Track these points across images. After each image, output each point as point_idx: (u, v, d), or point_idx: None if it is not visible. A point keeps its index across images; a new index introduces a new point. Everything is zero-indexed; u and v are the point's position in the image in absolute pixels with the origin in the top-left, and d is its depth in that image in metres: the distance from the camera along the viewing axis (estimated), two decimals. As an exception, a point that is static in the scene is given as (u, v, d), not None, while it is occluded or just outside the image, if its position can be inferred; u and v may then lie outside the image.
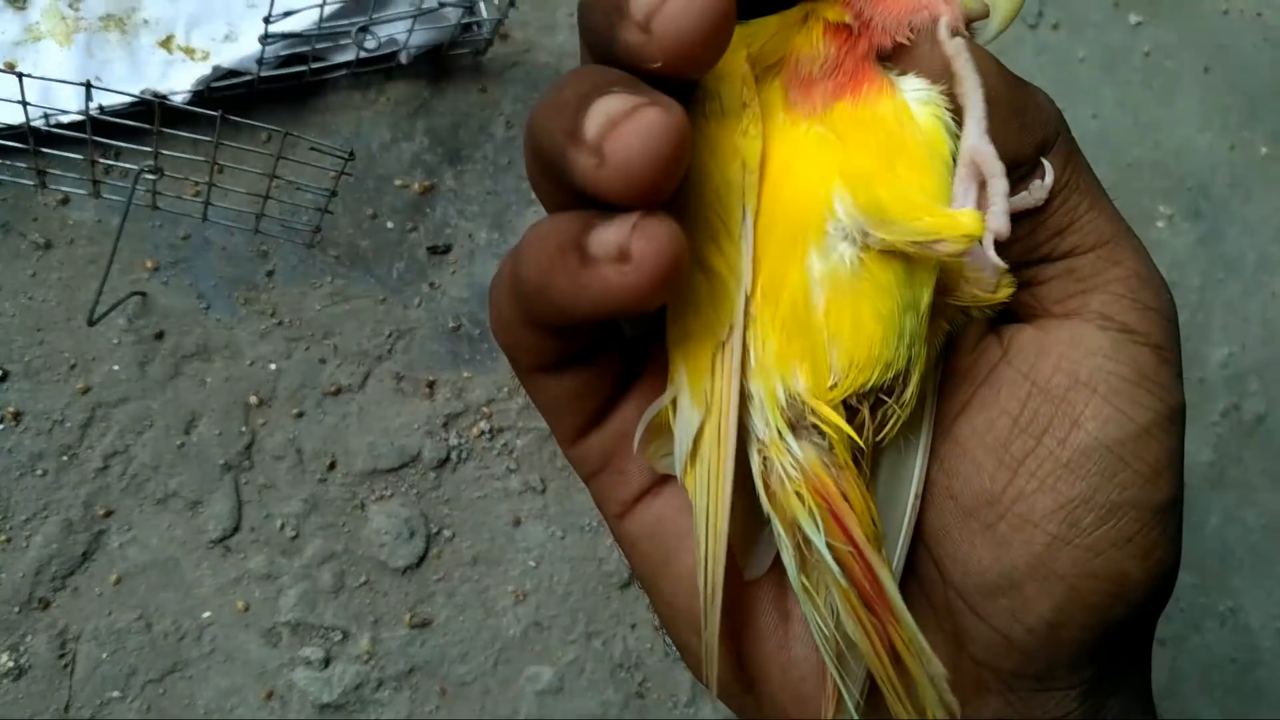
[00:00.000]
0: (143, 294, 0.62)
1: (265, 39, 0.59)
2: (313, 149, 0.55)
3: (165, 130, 0.54)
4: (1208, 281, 0.83)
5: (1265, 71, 0.91)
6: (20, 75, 0.52)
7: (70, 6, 0.66)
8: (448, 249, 0.68)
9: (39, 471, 0.59)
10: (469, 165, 0.69)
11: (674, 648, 0.64)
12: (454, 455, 0.65)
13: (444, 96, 0.70)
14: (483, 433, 0.65)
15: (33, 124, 0.57)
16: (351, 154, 0.54)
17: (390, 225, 0.67)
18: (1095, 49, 0.86)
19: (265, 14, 0.59)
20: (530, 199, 0.70)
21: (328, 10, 0.61)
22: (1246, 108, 0.89)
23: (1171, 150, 0.86)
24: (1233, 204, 0.86)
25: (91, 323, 0.60)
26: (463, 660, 0.63)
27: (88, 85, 0.50)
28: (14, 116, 0.57)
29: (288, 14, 0.59)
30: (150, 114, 0.54)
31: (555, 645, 0.64)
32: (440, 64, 0.70)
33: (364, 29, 0.62)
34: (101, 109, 0.60)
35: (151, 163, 0.55)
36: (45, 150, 0.58)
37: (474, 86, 0.71)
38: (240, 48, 0.65)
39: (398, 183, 0.67)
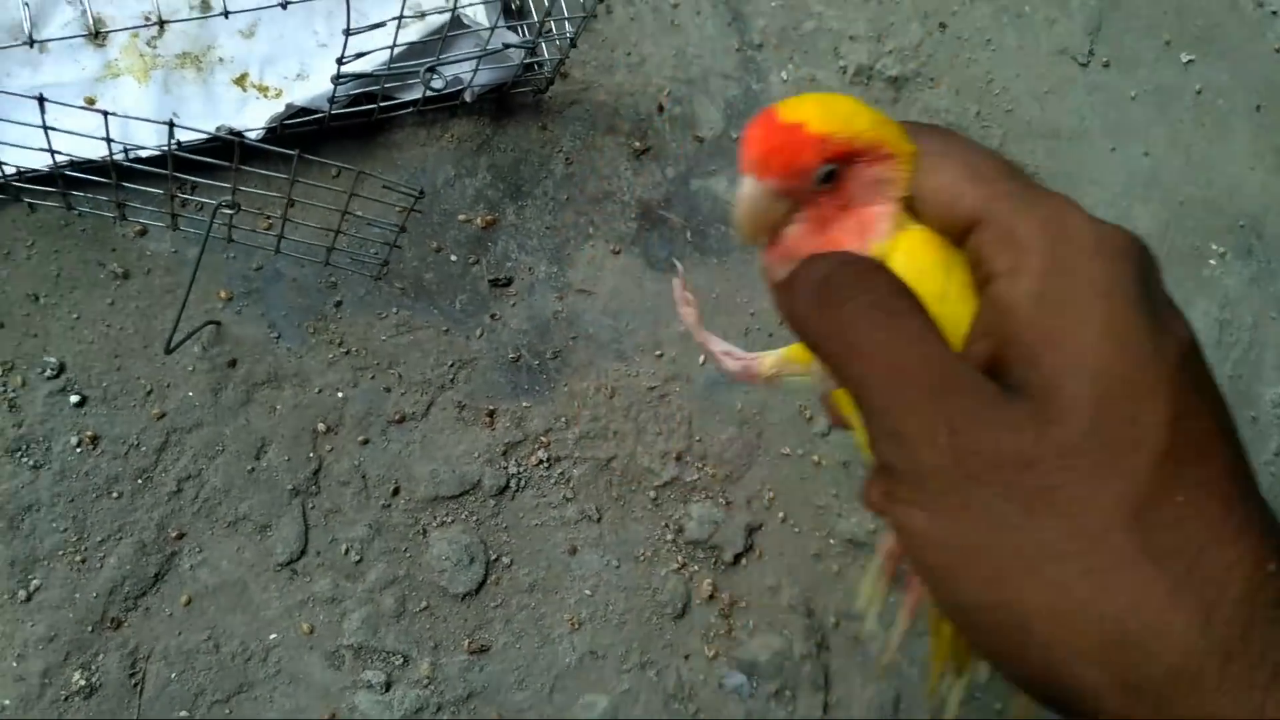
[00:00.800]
0: (217, 323, 0.64)
1: (338, 79, 0.61)
2: (385, 187, 0.57)
3: (244, 168, 0.56)
4: (1260, 320, 0.83)
5: (1318, 110, 0.91)
6: (105, 114, 0.54)
7: (148, 44, 0.68)
8: (509, 282, 0.69)
9: (114, 494, 0.61)
10: (529, 201, 0.71)
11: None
12: (513, 483, 0.66)
13: (506, 134, 0.72)
14: (541, 461, 0.67)
15: (114, 158, 0.59)
16: (421, 192, 0.55)
17: (454, 258, 0.69)
18: (1147, 88, 0.87)
19: (337, 54, 0.61)
20: (588, 233, 0.71)
21: (397, 51, 0.63)
22: (1299, 146, 0.89)
23: (1224, 189, 0.86)
24: (1285, 243, 0.86)
25: (169, 351, 0.62)
26: (519, 687, 0.64)
27: (170, 124, 0.52)
28: (93, 151, 0.59)
29: (360, 55, 0.61)
30: (224, 149, 0.56)
31: (610, 674, 0.65)
32: (502, 102, 0.71)
33: (431, 69, 0.63)
34: (179, 145, 0.62)
35: (229, 198, 0.57)
36: (125, 184, 0.60)
37: (535, 124, 0.72)
38: (312, 86, 0.67)
39: (461, 217, 0.69)
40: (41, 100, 0.51)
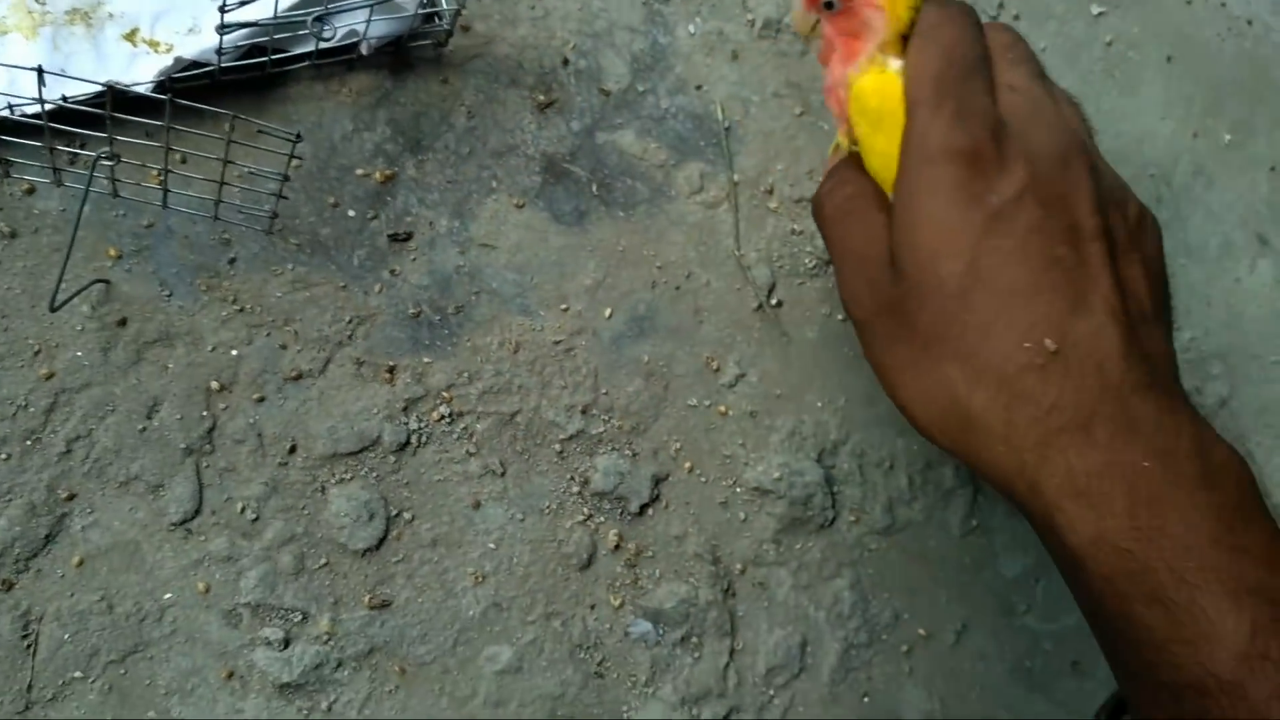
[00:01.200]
0: (106, 281, 0.63)
1: (222, 28, 0.60)
2: (260, 131, 0.56)
3: (126, 119, 0.55)
4: (1170, 267, 0.84)
5: (1229, 61, 0.92)
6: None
7: (37, 1, 0.67)
8: (408, 236, 0.69)
9: (2, 455, 0.60)
10: (430, 155, 0.70)
11: (644, 624, 0.65)
12: (414, 439, 0.66)
13: (406, 87, 0.71)
14: (443, 417, 0.66)
15: (-7, 115, 0.58)
16: (299, 136, 0.54)
17: (351, 214, 0.68)
18: (1057, 40, 0.87)
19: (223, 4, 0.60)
20: (490, 187, 0.71)
21: (285, 1, 0.62)
22: (1210, 97, 0.90)
23: (1134, 139, 0.86)
24: (1195, 191, 0.87)
25: (53, 309, 0.61)
26: (422, 640, 0.63)
27: (39, 70, 0.51)
28: (-25, 106, 0.58)
29: (244, 3, 0.60)
30: (115, 104, 0.55)
31: (514, 626, 0.65)
32: (402, 56, 0.71)
33: (320, 19, 0.63)
34: (65, 99, 0.61)
35: (108, 149, 0.56)
36: (6, 139, 0.59)
37: (435, 78, 0.72)
38: (203, 40, 0.66)
39: (359, 172, 0.68)
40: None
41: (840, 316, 0.74)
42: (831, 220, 0.49)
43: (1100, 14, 0.89)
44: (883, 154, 0.45)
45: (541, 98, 0.73)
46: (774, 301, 0.73)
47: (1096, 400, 0.41)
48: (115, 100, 0.55)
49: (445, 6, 0.68)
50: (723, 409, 0.71)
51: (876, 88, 0.45)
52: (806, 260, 0.75)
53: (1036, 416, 0.41)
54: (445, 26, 0.69)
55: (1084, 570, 0.40)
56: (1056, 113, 0.47)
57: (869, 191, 0.47)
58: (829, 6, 0.45)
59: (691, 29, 0.78)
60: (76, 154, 0.63)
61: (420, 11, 0.66)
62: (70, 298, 0.62)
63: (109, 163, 0.57)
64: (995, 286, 0.42)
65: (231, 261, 0.65)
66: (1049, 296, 0.42)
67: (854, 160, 0.49)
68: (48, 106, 0.57)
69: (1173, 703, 0.38)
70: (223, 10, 0.58)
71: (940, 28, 0.45)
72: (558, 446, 0.68)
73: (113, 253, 0.64)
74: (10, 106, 0.61)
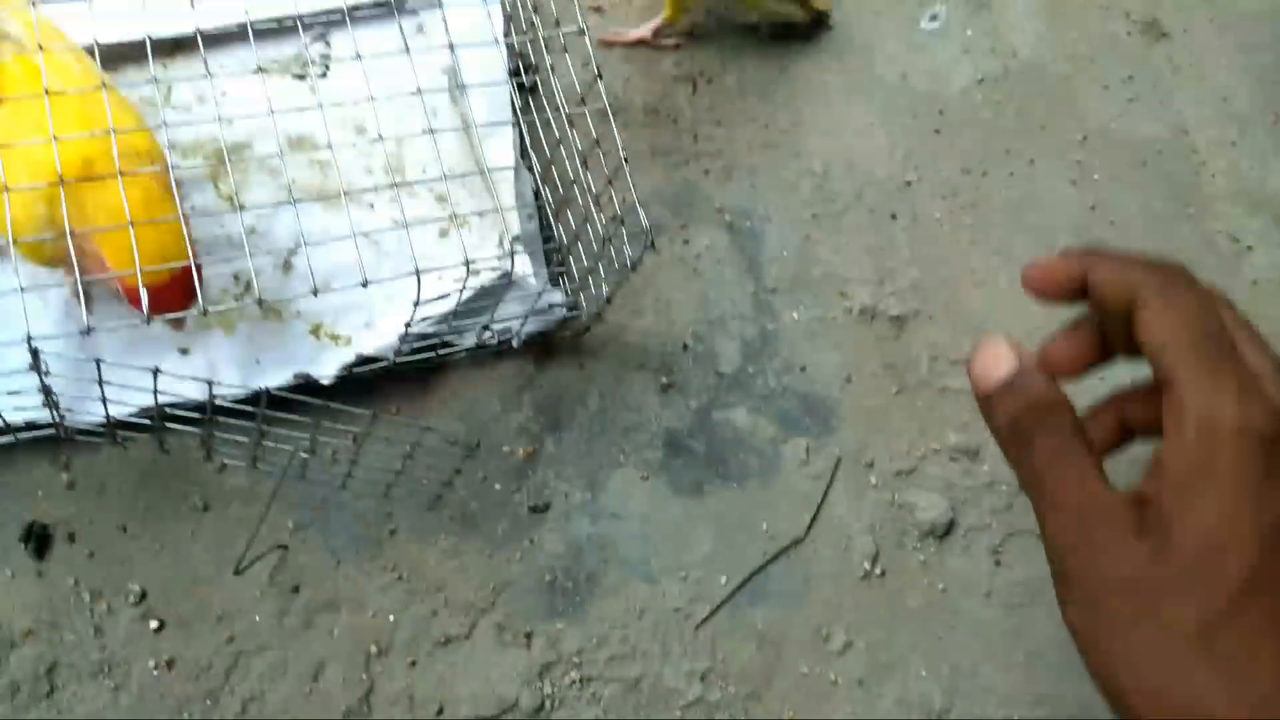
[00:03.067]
0: (285, 548, 0.71)
1: (404, 338, 0.69)
2: (450, 443, 0.65)
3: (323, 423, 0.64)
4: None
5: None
6: (211, 383, 0.62)
7: (235, 299, 0.77)
8: (546, 508, 0.76)
9: (185, 715, 0.66)
10: (567, 433, 0.78)
11: None
12: (547, 703, 0.71)
13: (547, 373, 0.80)
14: (574, 682, 0.72)
15: (201, 404, 0.67)
16: (478, 444, 0.63)
17: (498, 487, 0.76)
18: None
19: (400, 306, 0.69)
20: (619, 461, 0.79)
21: (452, 301, 0.72)
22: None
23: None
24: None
25: (238, 572, 0.68)
26: None
27: (266, 392, 0.60)
28: (193, 390, 0.67)
29: (425, 319, 0.70)
30: (301, 390, 0.63)
31: None
32: (545, 345, 0.80)
33: (486, 327, 0.72)
34: (267, 391, 0.70)
35: (307, 442, 0.65)
36: (217, 433, 0.68)
37: (573, 363, 0.81)
38: (378, 335, 0.76)
39: (505, 449, 0.77)
40: (156, 373, 0.59)
41: (941, 587, 0.79)
42: (1043, 461, 0.43)
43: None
44: None
45: (664, 379, 0.82)
46: (878, 571, 0.79)
47: None
48: (306, 392, 0.64)
49: (586, 307, 0.78)
50: (832, 676, 0.76)
51: None
52: (907, 532, 0.81)
53: None
54: (585, 323, 0.78)
55: None
56: None
57: (1061, 405, 0.41)
58: None
59: (796, 315, 0.87)
60: (266, 433, 0.72)
61: (566, 316, 0.76)
62: (253, 561, 0.70)
63: (306, 455, 0.65)
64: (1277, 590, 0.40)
65: (392, 532, 0.73)
66: None
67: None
68: (259, 412, 0.66)
69: None
70: (407, 326, 0.68)
71: (1174, 290, 0.41)
72: (678, 712, 0.73)
73: (290, 524, 0.72)
74: (213, 398, 0.70)
